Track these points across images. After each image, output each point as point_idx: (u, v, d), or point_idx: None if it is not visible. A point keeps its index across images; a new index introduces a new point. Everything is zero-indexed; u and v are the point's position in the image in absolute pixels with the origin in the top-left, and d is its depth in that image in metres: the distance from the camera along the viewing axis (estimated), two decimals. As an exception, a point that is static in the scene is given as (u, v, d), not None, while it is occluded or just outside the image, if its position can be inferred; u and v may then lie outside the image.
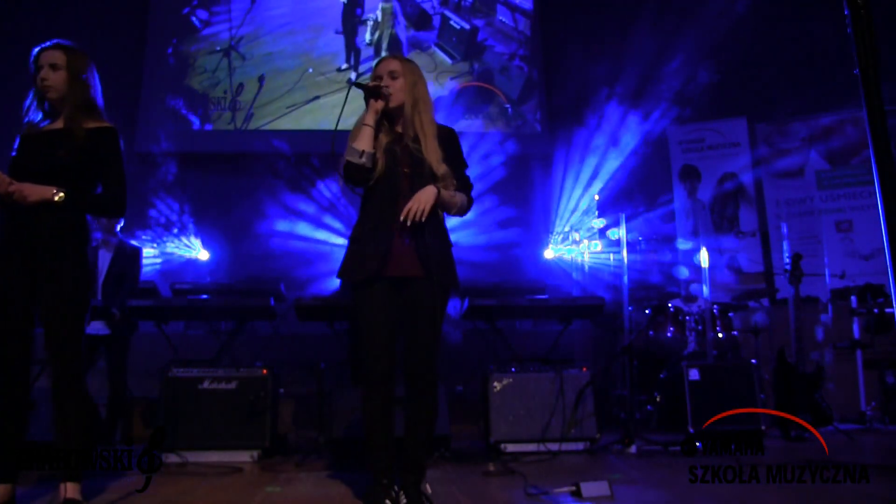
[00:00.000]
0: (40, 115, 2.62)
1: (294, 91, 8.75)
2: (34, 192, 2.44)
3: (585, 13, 8.87)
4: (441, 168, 2.57)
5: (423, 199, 2.49)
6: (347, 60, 8.90)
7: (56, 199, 2.46)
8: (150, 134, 8.38)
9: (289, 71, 8.80)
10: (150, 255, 7.88)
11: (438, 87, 8.83)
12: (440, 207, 2.60)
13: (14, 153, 2.58)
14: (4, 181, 2.41)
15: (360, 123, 2.60)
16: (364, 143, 2.51)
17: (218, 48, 8.82)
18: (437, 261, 2.57)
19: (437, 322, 2.59)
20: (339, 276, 2.63)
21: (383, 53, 8.88)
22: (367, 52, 8.94)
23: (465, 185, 2.70)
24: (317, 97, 8.72)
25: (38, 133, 2.58)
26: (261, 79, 8.77)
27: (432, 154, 2.57)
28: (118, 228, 4.66)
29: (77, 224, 2.55)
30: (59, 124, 2.60)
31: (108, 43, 7.92)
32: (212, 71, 8.75)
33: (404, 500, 2.48)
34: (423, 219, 2.48)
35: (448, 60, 9.01)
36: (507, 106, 8.95)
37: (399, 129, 2.65)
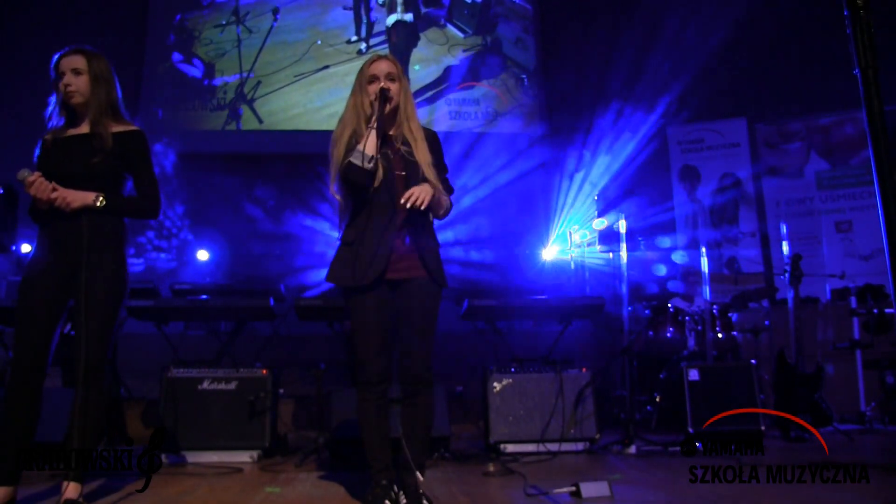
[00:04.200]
0: (63, 121, 2.63)
1: (303, 61, 8.79)
2: (77, 198, 2.48)
3: (586, 12, 8.87)
4: (431, 171, 2.58)
5: (425, 188, 2.49)
6: (357, 33, 8.93)
7: (98, 204, 2.50)
8: (151, 133, 8.37)
9: (297, 43, 8.84)
10: (149, 255, 7.88)
11: (451, 59, 8.90)
12: (430, 208, 2.62)
13: (37, 159, 2.59)
14: (48, 187, 2.44)
15: (344, 124, 2.60)
16: (371, 147, 2.49)
17: (224, 21, 8.88)
18: (434, 260, 2.61)
19: (433, 322, 2.61)
20: (332, 280, 2.61)
21: (398, 10, 8.93)
22: (377, 27, 8.98)
23: (447, 189, 2.72)
24: (326, 66, 8.76)
25: (64, 138, 2.60)
26: (275, 12, 8.82)
27: (423, 157, 2.58)
28: None
29: (115, 226, 2.59)
30: (84, 129, 2.61)
31: (109, 40, 7.94)
32: (217, 42, 8.79)
33: (404, 501, 2.48)
34: (423, 207, 2.48)
35: (460, 35, 9.05)
36: (524, 76, 8.96)
37: (391, 132, 2.65)
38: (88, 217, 2.50)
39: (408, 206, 2.45)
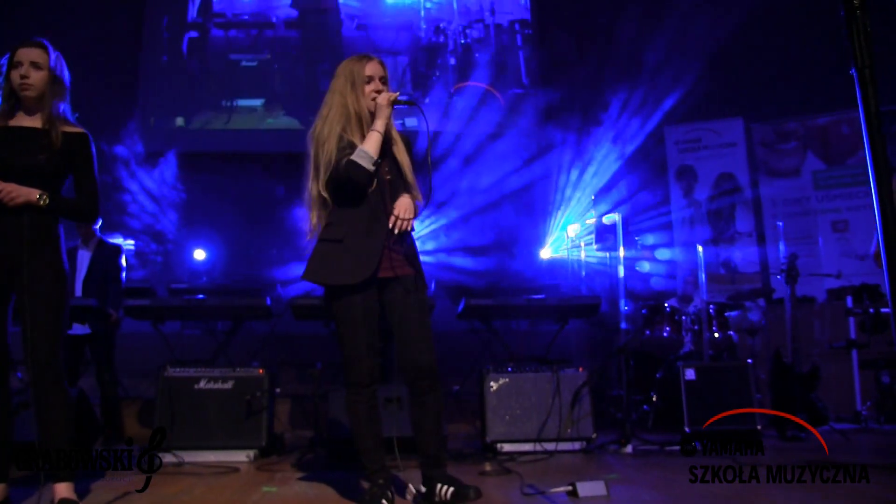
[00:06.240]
0: (7, 109, 2.55)
1: None
2: (21, 193, 2.42)
3: (584, 13, 8.87)
4: (411, 175, 2.63)
5: (408, 211, 2.56)
6: None
7: (42, 202, 2.46)
8: (149, 133, 8.36)
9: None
10: (148, 254, 7.87)
11: (450, 59, 8.96)
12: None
13: None
14: None
15: (331, 123, 2.59)
16: (376, 150, 2.50)
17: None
18: (417, 260, 2.68)
19: (429, 315, 2.69)
20: (314, 279, 2.60)
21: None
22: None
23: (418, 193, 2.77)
24: None
25: (8, 128, 2.52)
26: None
27: (404, 159, 2.63)
28: (97, 227, 4.63)
29: (53, 226, 2.55)
30: (33, 122, 2.55)
31: (103, 38, 7.93)
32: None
33: (451, 490, 2.50)
34: (410, 228, 2.57)
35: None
36: (522, 76, 8.99)
37: None
38: (30, 215, 2.45)
39: (396, 231, 2.51)
